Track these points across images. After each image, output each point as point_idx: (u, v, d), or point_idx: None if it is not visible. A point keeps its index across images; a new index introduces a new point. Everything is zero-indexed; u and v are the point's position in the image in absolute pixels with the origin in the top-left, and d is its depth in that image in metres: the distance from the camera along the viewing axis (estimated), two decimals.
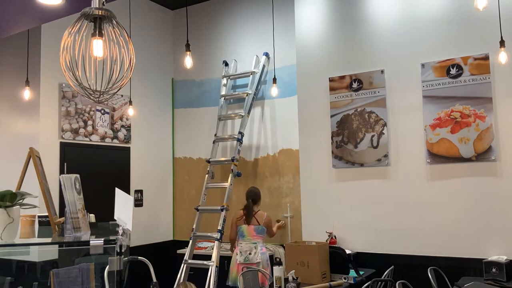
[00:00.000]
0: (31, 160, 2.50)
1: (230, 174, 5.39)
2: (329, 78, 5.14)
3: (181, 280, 4.98)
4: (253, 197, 5.08)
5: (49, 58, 5.15)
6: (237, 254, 4.87)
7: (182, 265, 5.10)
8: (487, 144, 4.29)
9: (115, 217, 2.17)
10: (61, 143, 5.20)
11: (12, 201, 2.07)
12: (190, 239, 5.31)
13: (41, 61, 5.11)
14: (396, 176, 4.74)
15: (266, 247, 5.02)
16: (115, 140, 5.89)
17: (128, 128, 6.07)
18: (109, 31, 2.13)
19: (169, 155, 6.72)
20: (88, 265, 2.24)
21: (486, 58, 4.32)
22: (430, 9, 4.66)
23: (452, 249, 4.39)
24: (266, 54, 5.97)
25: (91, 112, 5.58)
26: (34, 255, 2.53)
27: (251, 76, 5.98)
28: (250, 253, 4.79)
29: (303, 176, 5.29)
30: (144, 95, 6.30)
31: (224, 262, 5.25)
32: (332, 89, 5.12)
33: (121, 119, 5.98)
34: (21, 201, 2.14)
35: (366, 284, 3.68)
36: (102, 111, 5.73)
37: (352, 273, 4.28)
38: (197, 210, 5.36)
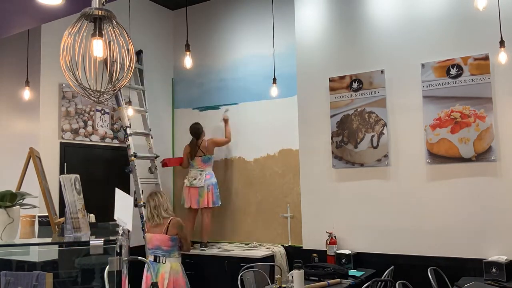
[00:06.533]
0: (31, 160, 2.50)
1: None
2: (329, 78, 5.14)
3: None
4: (195, 134, 5.95)
5: (49, 58, 5.14)
6: (185, 179, 5.91)
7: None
8: (487, 144, 4.29)
9: (115, 217, 2.17)
10: (61, 143, 5.20)
11: (12, 201, 2.07)
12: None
13: (41, 61, 5.10)
14: (396, 176, 4.74)
15: (211, 174, 5.88)
16: (115, 140, 5.88)
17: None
18: (109, 31, 2.13)
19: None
20: (44, 274, 2.16)
21: (486, 58, 4.32)
22: (430, 9, 4.66)
23: (452, 249, 4.39)
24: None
25: (91, 112, 5.58)
26: (34, 255, 2.53)
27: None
28: (195, 179, 5.80)
29: (303, 176, 5.29)
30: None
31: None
32: (332, 89, 5.12)
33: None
34: (21, 201, 2.15)
35: (366, 284, 3.68)
36: (102, 111, 5.73)
37: (353, 272, 4.29)
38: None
